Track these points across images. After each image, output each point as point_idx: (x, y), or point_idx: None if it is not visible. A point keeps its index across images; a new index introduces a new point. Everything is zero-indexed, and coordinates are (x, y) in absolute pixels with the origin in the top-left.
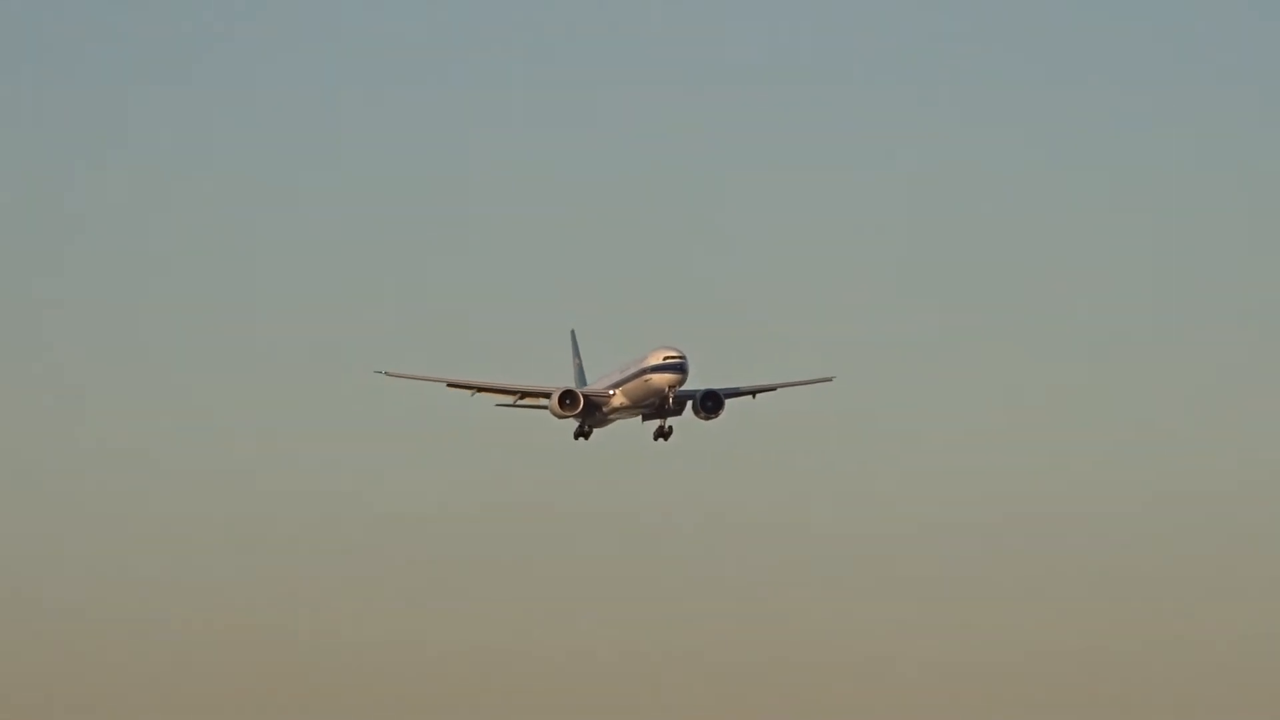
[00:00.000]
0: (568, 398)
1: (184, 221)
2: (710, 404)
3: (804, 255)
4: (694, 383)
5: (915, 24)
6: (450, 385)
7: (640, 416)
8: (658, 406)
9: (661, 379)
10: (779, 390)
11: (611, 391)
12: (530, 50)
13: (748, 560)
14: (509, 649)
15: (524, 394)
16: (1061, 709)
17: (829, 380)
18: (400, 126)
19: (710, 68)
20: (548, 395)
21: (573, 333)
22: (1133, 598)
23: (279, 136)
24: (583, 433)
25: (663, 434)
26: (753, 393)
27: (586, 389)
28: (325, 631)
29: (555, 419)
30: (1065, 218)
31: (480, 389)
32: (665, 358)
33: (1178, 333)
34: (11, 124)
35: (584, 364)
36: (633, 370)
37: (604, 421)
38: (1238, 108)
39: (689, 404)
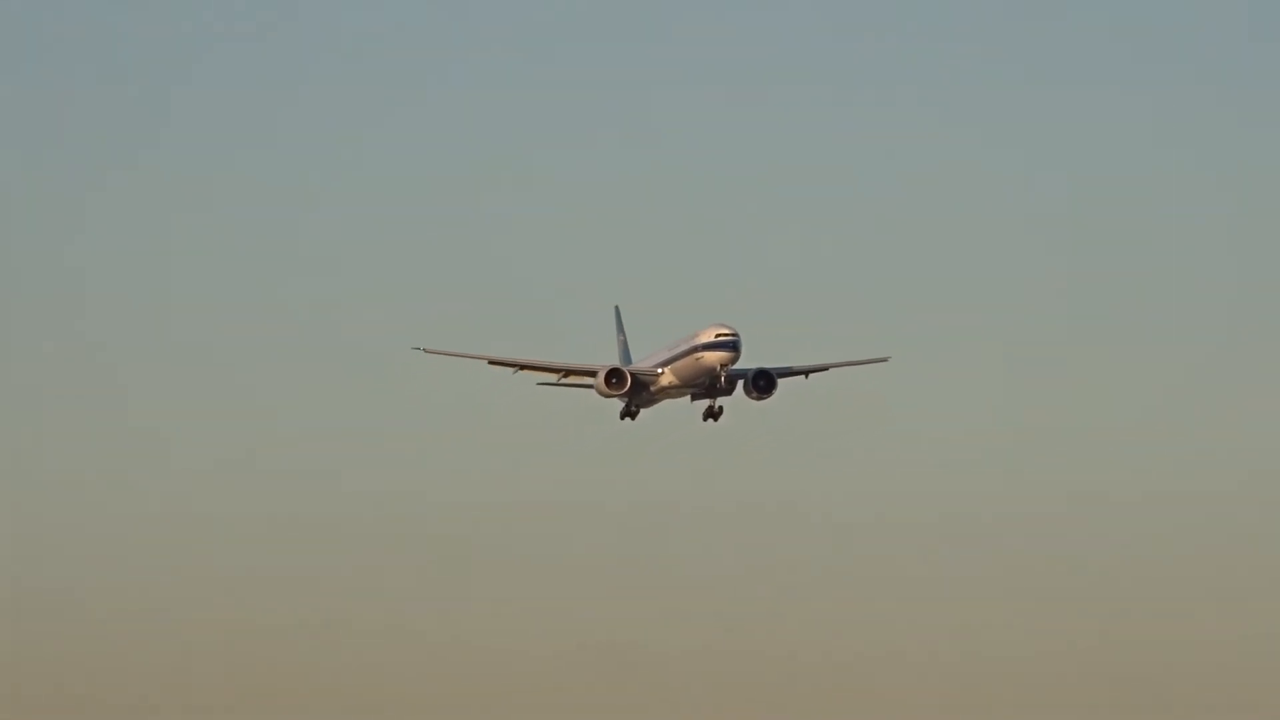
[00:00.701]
0: (614, 376)
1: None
2: (762, 383)
3: (857, 233)
4: (744, 362)
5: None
6: (492, 363)
7: (689, 396)
8: (708, 386)
9: (713, 356)
10: (832, 370)
11: (660, 370)
12: (574, 39)
13: (801, 550)
14: (551, 639)
15: (568, 372)
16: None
17: (885, 360)
18: (435, 116)
19: (745, 60)
20: (593, 374)
21: (617, 309)
22: (1168, 596)
23: (297, 122)
24: (629, 413)
25: (712, 414)
26: (806, 372)
27: (634, 367)
28: (361, 618)
29: (601, 398)
30: (1057, 215)
31: (523, 367)
32: (717, 334)
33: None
34: (11, 124)
35: (629, 341)
36: (683, 348)
37: (651, 401)
38: (1238, 107)
39: (740, 383)
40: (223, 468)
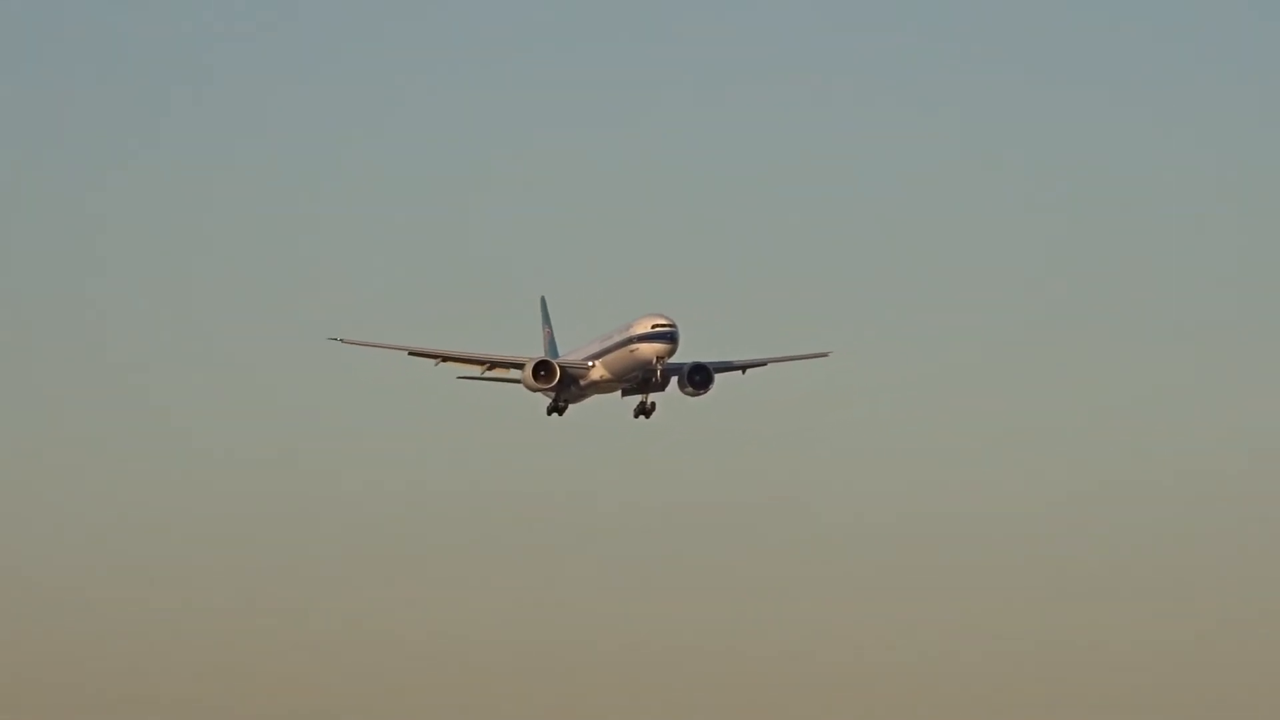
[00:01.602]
0: (542, 369)
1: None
2: (699, 378)
3: (796, 227)
4: (678, 357)
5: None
6: (412, 354)
7: (620, 391)
8: (641, 380)
9: (649, 349)
10: (770, 365)
11: (591, 363)
12: (521, 43)
13: (734, 550)
14: (466, 641)
15: (493, 364)
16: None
17: (825, 355)
18: (378, 108)
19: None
20: (519, 366)
21: (543, 299)
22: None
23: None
24: (557, 408)
25: (644, 411)
26: (743, 368)
27: (563, 360)
28: (272, 617)
29: (527, 392)
30: (1068, 210)
31: (445, 358)
32: (654, 325)
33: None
34: (11, 124)
35: (555, 334)
36: (616, 340)
37: (580, 396)
38: (1238, 107)
39: (674, 378)
40: (125, 466)
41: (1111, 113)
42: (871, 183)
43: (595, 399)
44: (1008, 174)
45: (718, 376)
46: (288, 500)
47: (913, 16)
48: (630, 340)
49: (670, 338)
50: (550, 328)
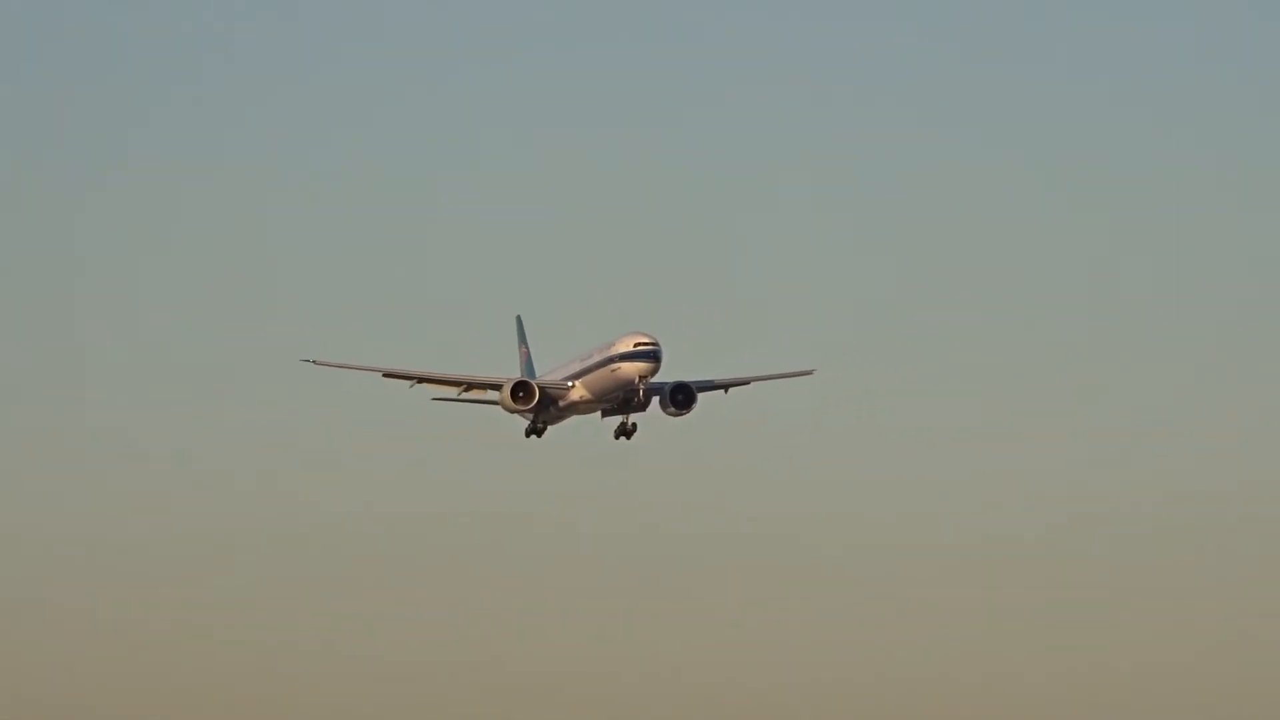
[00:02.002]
0: (521, 390)
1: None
2: (681, 398)
3: (782, 241)
4: (659, 376)
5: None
6: (386, 375)
7: (600, 412)
8: (622, 400)
9: (631, 368)
10: (753, 384)
11: (570, 383)
12: (505, 44)
13: (718, 573)
14: (445, 665)
15: (470, 385)
16: None
17: (809, 374)
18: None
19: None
20: (497, 387)
21: (519, 319)
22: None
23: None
24: (535, 430)
25: (625, 432)
26: (725, 387)
27: (542, 380)
28: (241, 642)
29: (505, 414)
30: (1057, 215)
31: (421, 379)
32: (636, 344)
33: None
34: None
35: (532, 354)
36: (596, 359)
37: (559, 417)
38: (1238, 108)
39: (656, 398)
40: (92, 489)
41: (1112, 113)
42: (868, 185)
43: (574, 420)
44: (1007, 177)
45: (700, 396)
46: (259, 526)
47: (913, 16)
48: (611, 359)
49: (653, 356)
50: (527, 347)
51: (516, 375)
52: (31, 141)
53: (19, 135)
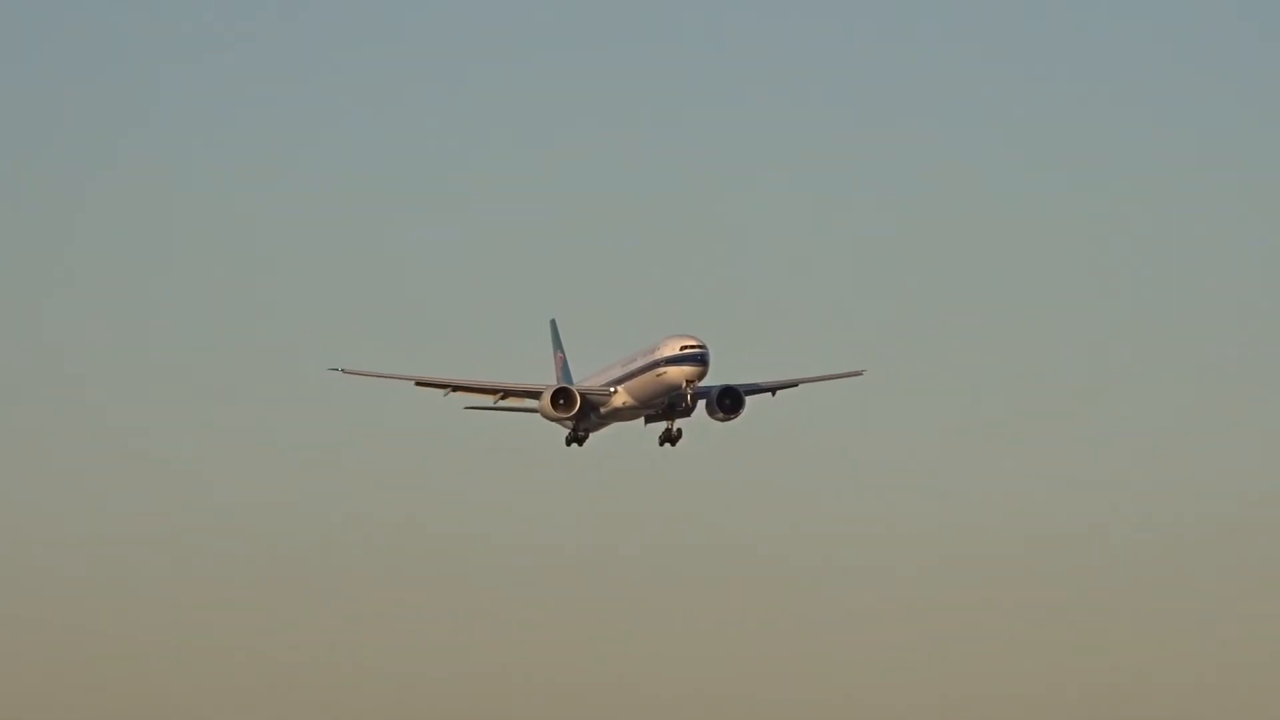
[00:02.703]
0: (561, 396)
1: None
2: (729, 402)
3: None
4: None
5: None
6: (419, 384)
7: (644, 418)
8: (667, 406)
9: (679, 372)
10: (802, 386)
11: (613, 389)
12: (525, 48)
13: (770, 587)
14: (485, 685)
15: (507, 393)
16: None
17: (859, 374)
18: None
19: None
20: (535, 394)
21: (553, 323)
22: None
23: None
24: (576, 438)
25: (670, 438)
26: (773, 389)
27: (584, 386)
28: (272, 657)
29: (544, 423)
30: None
31: (456, 388)
32: (683, 347)
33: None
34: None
35: (568, 359)
36: (640, 363)
37: (600, 424)
38: (1237, 109)
39: (702, 403)
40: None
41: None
42: (895, 188)
43: (615, 427)
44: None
45: (748, 400)
46: (287, 543)
47: (918, 17)
48: (657, 364)
49: (701, 360)
50: (563, 352)
51: (555, 382)
52: (31, 140)
53: (19, 135)
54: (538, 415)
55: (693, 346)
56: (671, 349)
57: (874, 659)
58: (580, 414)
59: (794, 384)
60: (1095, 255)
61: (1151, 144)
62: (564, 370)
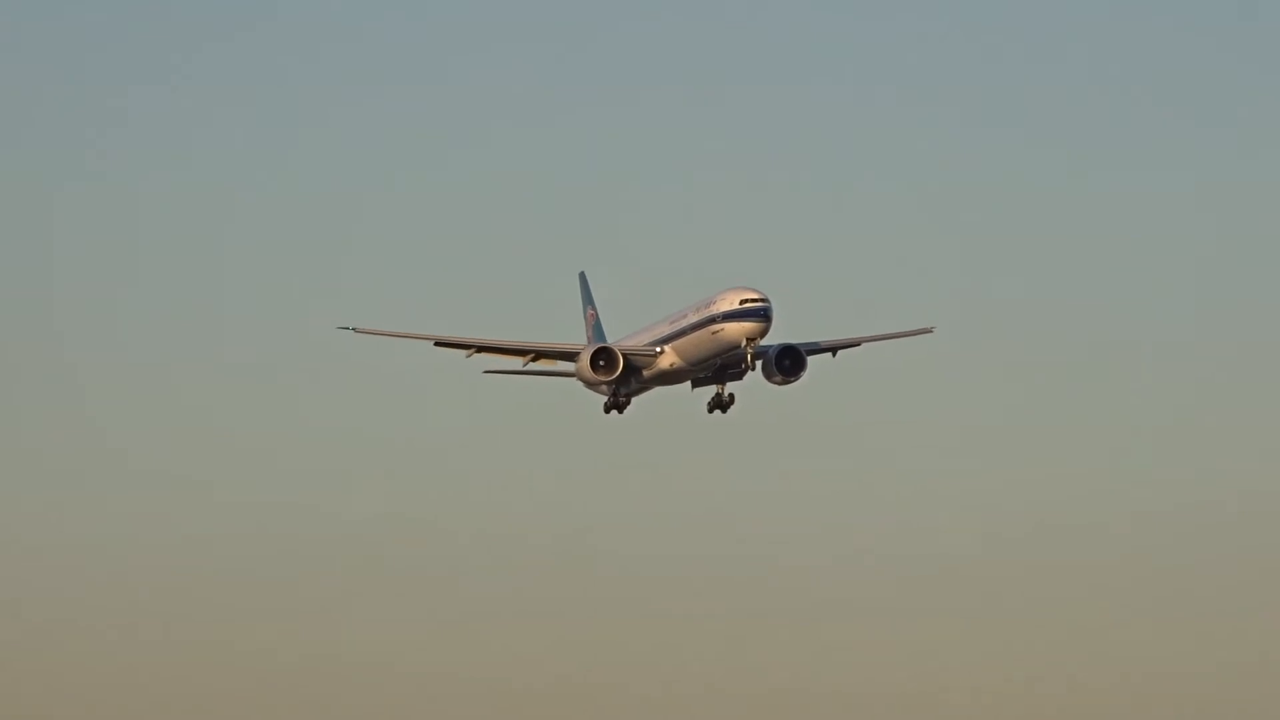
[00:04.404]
0: (602, 357)
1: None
2: (788, 363)
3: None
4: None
5: None
6: (438, 344)
7: (690, 382)
8: (720, 368)
9: (738, 329)
10: (865, 346)
11: (659, 348)
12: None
13: (837, 567)
14: (522, 672)
15: (538, 355)
16: None
17: (929, 331)
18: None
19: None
20: (571, 356)
21: (582, 275)
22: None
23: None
24: (616, 404)
25: (720, 404)
26: (833, 350)
27: (626, 346)
28: (275, 640)
29: (579, 387)
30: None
31: (480, 349)
32: (743, 300)
33: None
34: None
35: (600, 315)
36: (692, 319)
37: (641, 389)
38: (1241, 110)
39: (758, 364)
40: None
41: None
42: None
43: (657, 391)
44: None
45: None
46: (294, 516)
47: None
48: (713, 319)
49: (763, 315)
50: (594, 309)
51: (592, 341)
52: (32, 140)
53: (18, 134)
54: (568, 380)
55: (755, 300)
56: (730, 303)
57: (967, 638)
58: (622, 377)
59: (856, 343)
60: (1186, 213)
61: None
62: (596, 328)
